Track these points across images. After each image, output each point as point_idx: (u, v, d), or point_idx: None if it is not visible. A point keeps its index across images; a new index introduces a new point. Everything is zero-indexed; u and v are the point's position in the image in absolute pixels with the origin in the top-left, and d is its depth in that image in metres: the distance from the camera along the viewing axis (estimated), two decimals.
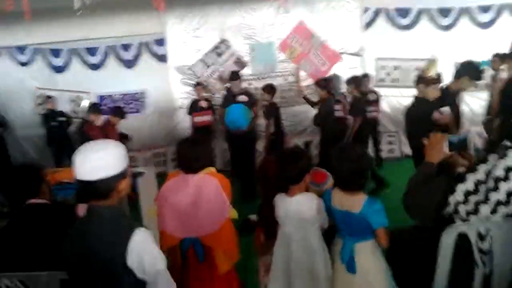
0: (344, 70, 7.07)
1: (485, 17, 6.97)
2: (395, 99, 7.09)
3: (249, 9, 6.99)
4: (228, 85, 5.90)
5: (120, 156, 1.61)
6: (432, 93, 3.61)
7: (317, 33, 7.06)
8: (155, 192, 3.15)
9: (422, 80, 3.68)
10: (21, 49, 7.21)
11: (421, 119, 3.58)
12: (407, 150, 6.49)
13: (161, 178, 3.64)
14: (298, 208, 2.20)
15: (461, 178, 1.82)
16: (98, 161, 1.53)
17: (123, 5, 6.91)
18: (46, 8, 6.01)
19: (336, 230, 2.23)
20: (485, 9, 6.97)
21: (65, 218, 2.06)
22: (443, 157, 1.99)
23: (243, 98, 5.55)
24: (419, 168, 1.99)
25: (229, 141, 5.79)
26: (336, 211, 2.16)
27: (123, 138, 5.80)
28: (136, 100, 7.39)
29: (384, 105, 6.91)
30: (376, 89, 6.82)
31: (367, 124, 6.32)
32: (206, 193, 2.34)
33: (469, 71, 3.61)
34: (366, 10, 7.01)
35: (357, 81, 5.50)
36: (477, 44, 6.90)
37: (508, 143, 1.73)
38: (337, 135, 5.11)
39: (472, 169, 1.84)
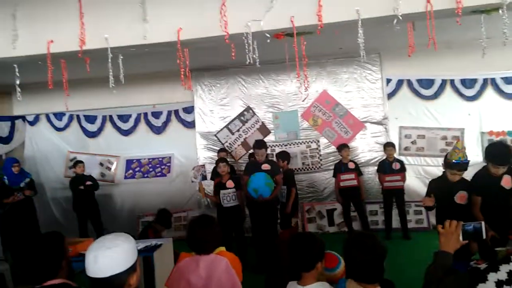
0: (368, 138, 7.11)
1: (510, 88, 6.93)
2: (421, 168, 6.95)
3: (272, 80, 7.29)
4: (251, 151, 6.02)
5: (130, 251, 1.65)
6: (452, 178, 3.51)
7: (340, 103, 7.21)
8: (171, 265, 3.11)
9: (445, 162, 3.61)
10: (59, 115, 7.72)
11: (442, 195, 3.51)
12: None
13: (180, 242, 3.65)
14: None
15: (482, 277, 1.72)
16: (109, 258, 1.58)
17: (154, 75, 7.39)
18: (83, 79, 6.51)
19: None
20: (509, 80, 6.95)
21: None
22: (458, 247, 1.92)
23: (266, 166, 5.59)
24: (435, 258, 1.91)
25: (251, 208, 5.75)
26: None
27: None
28: (162, 164, 7.60)
29: (411, 173, 6.76)
30: (401, 157, 6.77)
31: (392, 193, 6.24)
32: (217, 274, 2.31)
33: (492, 156, 3.47)
34: (388, 81, 7.14)
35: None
36: (503, 115, 6.82)
37: None
38: None
39: (493, 267, 1.75)
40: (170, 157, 7.58)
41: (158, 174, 7.51)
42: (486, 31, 4.90)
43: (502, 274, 1.69)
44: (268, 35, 3.54)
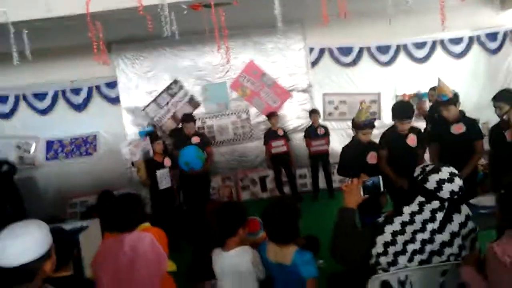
0: (295, 106, 7.37)
1: (420, 53, 7.51)
2: (344, 131, 7.40)
3: (198, 52, 7.16)
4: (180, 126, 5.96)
5: (42, 238, 1.60)
6: (364, 137, 3.80)
7: (267, 72, 7.33)
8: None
9: (355, 125, 3.87)
10: None
11: (355, 159, 3.79)
12: None
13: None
14: (233, 262, 2.24)
15: (380, 230, 1.96)
16: (19, 247, 1.52)
17: (71, 49, 6.88)
18: None
19: (273, 281, 2.28)
20: (419, 45, 7.53)
21: None
22: (360, 201, 2.15)
23: (196, 139, 5.60)
24: (339, 214, 2.12)
25: (183, 182, 5.77)
26: (270, 263, 2.22)
27: None
28: (87, 143, 7.25)
29: (335, 137, 7.18)
30: (325, 123, 7.14)
31: (318, 157, 6.61)
32: (142, 250, 2.34)
33: (396, 112, 3.83)
34: (311, 50, 7.37)
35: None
36: (414, 78, 7.42)
37: (421, 198, 1.91)
38: None
39: (389, 219, 1.99)
40: (95, 135, 7.24)
41: (83, 154, 7.17)
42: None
43: (396, 226, 1.93)
44: (184, 6, 3.47)
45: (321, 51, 7.45)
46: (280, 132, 6.64)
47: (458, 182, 1.86)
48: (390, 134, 3.86)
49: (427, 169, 1.93)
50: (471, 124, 3.84)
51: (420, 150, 3.93)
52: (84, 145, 7.26)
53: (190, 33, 6.91)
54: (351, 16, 7.11)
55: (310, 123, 6.80)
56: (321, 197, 6.66)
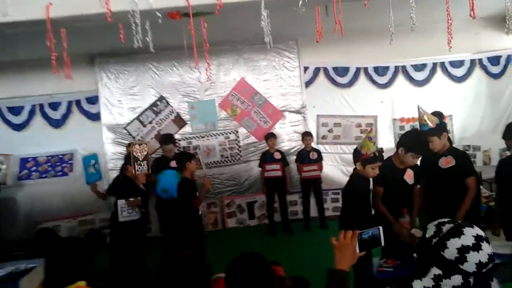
0: (287, 127, 6.95)
1: (420, 76, 7.17)
2: (338, 156, 6.98)
3: (186, 67, 6.77)
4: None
5: None
6: (373, 173, 3.17)
7: (258, 91, 6.94)
8: None
9: (359, 158, 3.17)
10: None
11: (363, 203, 3.23)
12: None
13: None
14: None
15: None
16: None
17: (49, 61, 6.46)
18: None
19: None
20: (419, 67, 7.20)
21: None
22: (355, 261, 1.67)
23: (174, 163, 5.13)
24: (329, 278, 1.65)
25: (161, 212, 5.27)
26: None
27: None
28: (63, 162, 6.75)
29: (328, 162, 6.73)
30: (319, 146, 6.72)
31: (310, 182, 6.15)
32: None
33: (409, 144, 3.20)
34: (306, 69, 7.01)
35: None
36: (413, 102, 7.03)
37: (437, 271, 1.39)
38: None
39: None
40: (72, 154, 6.74)
41: (58, 174, 6.65)
42: (395, 17, 4.90)
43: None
44: (159, 15, 3.07)
45: (316, 71, 7.09)
46: (277, 156, 6.20)
47: (486, 249, 1.34)
48: (389, 169, 3.31)
49: (444, 228, 1.41)
50: (461, 157, 3.38)
51: (415, 187, 3.44)
52: (60, 164, 6.75)
53: (177, 47, 6.59)
54: (348, 34, 6.76)
55: (303, 146, 6.37)
56: (312, 226, 6.16)
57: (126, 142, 6.51)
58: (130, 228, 4.20)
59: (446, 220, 1.45)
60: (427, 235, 1.43)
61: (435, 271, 1.36)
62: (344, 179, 6.71)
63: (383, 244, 1.72)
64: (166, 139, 5.22)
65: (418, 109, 3.48)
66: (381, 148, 3.23)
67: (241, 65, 6.93)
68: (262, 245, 5.63)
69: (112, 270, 4.21)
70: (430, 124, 3.25)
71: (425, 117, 3.32)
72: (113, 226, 4.32)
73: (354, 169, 3.27)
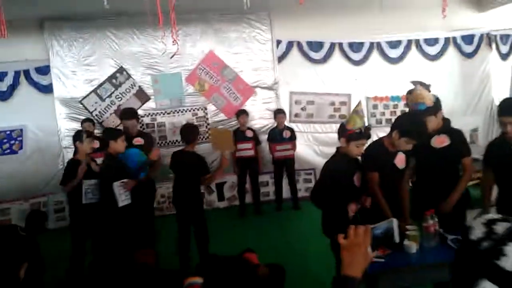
0: (258, 105, 6.59)
1: (394, 53, 6.98)
2: (311, 135, 6.74)
3: (149, 36, 6.19)
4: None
5: None
6: (358, 151, 2.85)
7: (229, 65, 6.50)
8: None
9: (344, 134, 2.82)
10: None
11: (344, 181, 2.86)
12: None
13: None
14: None
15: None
16: None
17: None
18: None
19: None
20: (394, 44, 6.99)
21: None
22: (367, 265, 1.34)
23: (138, 141, 4.66)
24: None
25: None
26: None
27: None
28: (12, 139, 6.08)
29: (301, 141, 6.47)
30: (291, 125, 6.43)
31: (283, 162, 5.88)
32: None
33: (405, 128, 2.79)
34: (278, 43, 6.62)
35: None
36: (387, 80, 6.87)
37: (490, 285, 1.06)
38: None
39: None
40: (21, 130, 6.08)
41: (6, 152, 6.00)
42: None
43: None
44: None
45: (289, 45, 6.72)
46: (249, 134, 5.85)
47: None
48: (379, 152, 2.95)
49: (497, 228, 1.06)
50: (457, 136, 3.08)
51: (406, 173, 3.09)
52: (8, 141, 6.07)
53: (138, 12, 5.99)
54: (323, 7, 6.57)
55: (275, 124, 6.05)
56: (285, 208, 5.94)
57: (82, 117, 5.93)
58: (131, 212, 3.84)
59: (497, 217, 1.12)
60: (473, 237, 1.08)
61: (487, 285, 1.04)
62: (317, 160, 6.62)
63: (397, 240, 1.43)
64: (128, 113, 4.69)
65: (414, 85, 3.12)
66: (369, 125, 2.92)
67: (210, 36, 6.43)
68: (232, 227, 5.35)
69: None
70: (428, 102, 2.96)
71: (423, 95, 2.99)
72: (108, 214, 3.76)
73: (338, 148, 2.97)
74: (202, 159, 3.98)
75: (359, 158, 2.96)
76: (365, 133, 2.83)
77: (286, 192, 6.04)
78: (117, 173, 3.79)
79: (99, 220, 3.83)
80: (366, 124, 2.92)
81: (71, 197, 3.95)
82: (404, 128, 2.78)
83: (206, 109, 6.49)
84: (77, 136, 4.07)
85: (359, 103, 2.98)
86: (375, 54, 6.97)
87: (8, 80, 6.05)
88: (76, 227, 3.96)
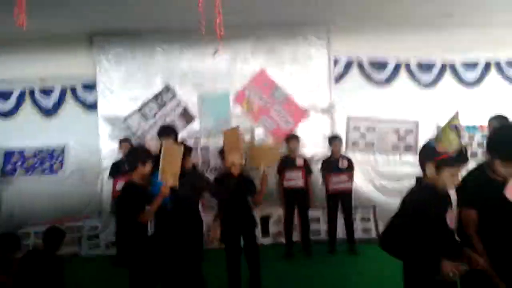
0: (311, 130, 5.95)
1: (470, 75, 6.10)
2: (370, 167, 5.95)
3: (199, 53, 5.83)
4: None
5: None
6: (452, 181, 2.07)
7: (280, 86, 5.96)
8: None
9: (433, 157, 2.06)
10: None
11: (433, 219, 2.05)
12: None
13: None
14: None
15: None
16: None
17: (44, 40, 5.62)
18: None
19: None
20: (470, 66, 6.12)
21: None
22: None
23: None
24: None
25: (159, 222, 4.33)
26: None
27: None
28: (53, 158, 5.90)
29: (358, 174, 5.71)
30: (348, 154, 5.71)
31: (338, 197, 5.16)
32: None
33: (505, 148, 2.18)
34: (336, 61, 5.99)
35: None
36: (462, 106, 5.96)
37: None
38: None
39: None
40: (63, 148, 5.90)
41: (45, 171, 5.83)
42: (444, 5, 3.79)
43: None
44: None
45: (348, 64, 6.08)
46: (300, 162, 5.22)
47: None
48: (481, 181, 2.27)
49: None
50: None
51: None
52: (49, 159, 5.91)
53: (189, 29, 5.65)
54: (387, 20, 5.88)
55: (330, 153, 5.37)
56: (338, 250, 5.16)
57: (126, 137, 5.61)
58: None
59: None
60: None
61: None
62: (378, 196, 5.80)
63: None
64: (166, 129, 4.22)
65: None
66: (466, 146, 2.15)
67: (261, 53, 5.96)
68: (277, 269, 4.67)
69: None
70: None
71: None
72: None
73: (418, 178, 2.17)
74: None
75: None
76: (464, 156, 2.07)
77: (340, 232, 5.28)
78: (135, 205, 3.19)
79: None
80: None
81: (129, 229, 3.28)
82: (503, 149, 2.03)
83: (253, 132, 5.96)
84: (134, 156, 3.45)
85: (456, 115, 2.21)
86: (447, 76, 6.14)
87: (55, 96, 5.95)
88: (144, 267, 3.27)
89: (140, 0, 4.61)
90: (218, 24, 2.24)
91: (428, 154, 2.11)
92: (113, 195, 5.00)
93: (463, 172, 2.25)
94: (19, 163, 5.86)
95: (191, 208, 3.88)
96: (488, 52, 6.12)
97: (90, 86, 5.94)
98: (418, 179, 2.19)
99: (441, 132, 2.17)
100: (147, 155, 3.34)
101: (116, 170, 5.09)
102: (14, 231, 5.43)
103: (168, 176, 3.23)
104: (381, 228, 5.49)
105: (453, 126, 2.13)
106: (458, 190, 2.28)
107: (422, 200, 2.09)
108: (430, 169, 2.08)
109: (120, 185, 4.94)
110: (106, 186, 5.57)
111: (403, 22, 5.74)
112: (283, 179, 5.18)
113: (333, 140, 5.33)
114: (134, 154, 3.49)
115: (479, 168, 2.36)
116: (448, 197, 2.18)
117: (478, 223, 2.26)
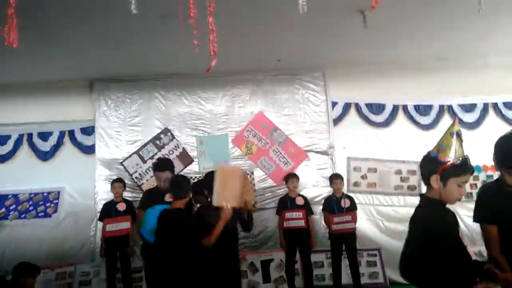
0: (311, 171, 5.85)
1: (469, 117, 6.12)
2: (373, 208, 5.76)
3: (197, 97, 5.94)
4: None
5: None
6: (456, 192, 1.91)
7: (279, 127, 5.97)
8: None
9: (437, 168, 1.92)
10: None
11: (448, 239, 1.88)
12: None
13: None
14: None
15: None
16: None
17: (45, 85, 5.75)
18: None
19: None
20: (468, 108, 6.17)
21: None
22: None
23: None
24: None
25: (147, 259, 4.10)
26: None
27: None
28: (48, 201, 5.75)
29: (361, 215, 5.50)
30: (350, 194, 5.54)
31: (342, 238, 4.91)
32: None
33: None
34: (334, 104, 6.06)
35: None
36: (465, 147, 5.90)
37: None
38: None
39: None
40: (59, 192, 5.75)
41: (40, 215, 5.64)
42: (438, 49, 3.85)
43: None
44: None
45: (346, 106, 6.13)
46: (300, 201, 5.06)
47: None
48: (497, 195, 2.15)
49: None
50: None
51: None
52: (43, 203, 5.74)
53: (188, 74, 5.81)
54: (383, 66, 6.03)
55: (331, 192, 5.22)
56: None
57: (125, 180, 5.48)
58: None
59: None
60: None
61: None
62: (383, 238, 5.55)
63: None
64: (162, 163, 4.14)
65: None
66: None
67: (260, 97, 6.05)
68: None
69: None
70: None
71: None
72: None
73: (423, 195, 2.01)
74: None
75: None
76: (469, 164, 1.93)
77: (345, 278, 4.96)
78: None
79: None
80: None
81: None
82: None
83: (252, 174, 5.86)
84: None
85: (455, 122, 2.11)
86: (446, 118, 6.15)
87: (53, 140, 5.92)
88: None
89: (139, 47, 4.78)
90: (212, 40, 2.23)
91: (431, 165, 1.99)
92: (102, 237, 4.83)
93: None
94: (13, 206, 5.69)
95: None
96: (484, 94, 6.19)
97: (89, 130, 5.93)
98: (423, 196, 2.05)
99: (442, 141, 2.09)
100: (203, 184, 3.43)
101: (107, 211, 4.94)
102: (3, 276, 5.16)
103: (228, 198, 3.04)
104: (388, 272, 5.18)
105: (452, 134, 2.05)
106: (476, 206, 2.20)
107: (429, 217, 1.93)
108: (434, 182, 1.93)
109: (111, 226, 4.80)
110: (99, 232, 5.34)
111: (398, 66, 5.90)
112: (283, 220, 4.98)
113: (335, 178, 5.21)
114: (187, 182, 3.48)
115: (496, 183, 2.27)
116: (454, 213, 2.04)
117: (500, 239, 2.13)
